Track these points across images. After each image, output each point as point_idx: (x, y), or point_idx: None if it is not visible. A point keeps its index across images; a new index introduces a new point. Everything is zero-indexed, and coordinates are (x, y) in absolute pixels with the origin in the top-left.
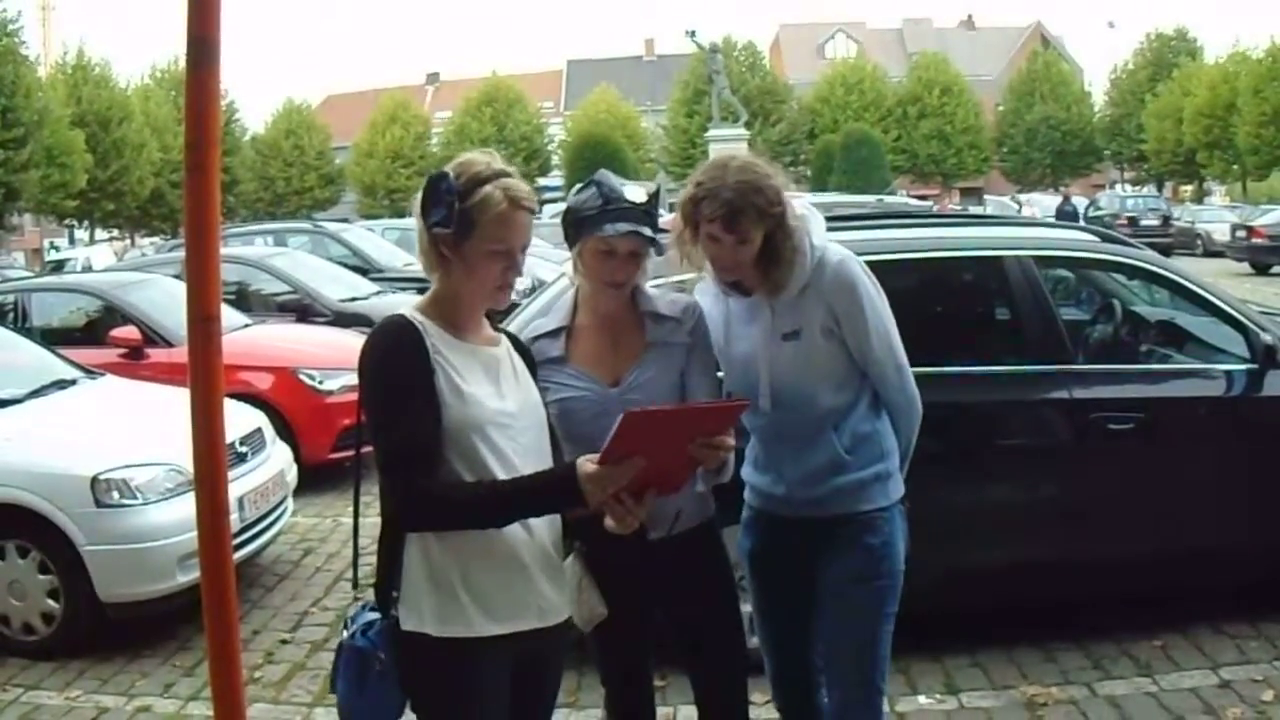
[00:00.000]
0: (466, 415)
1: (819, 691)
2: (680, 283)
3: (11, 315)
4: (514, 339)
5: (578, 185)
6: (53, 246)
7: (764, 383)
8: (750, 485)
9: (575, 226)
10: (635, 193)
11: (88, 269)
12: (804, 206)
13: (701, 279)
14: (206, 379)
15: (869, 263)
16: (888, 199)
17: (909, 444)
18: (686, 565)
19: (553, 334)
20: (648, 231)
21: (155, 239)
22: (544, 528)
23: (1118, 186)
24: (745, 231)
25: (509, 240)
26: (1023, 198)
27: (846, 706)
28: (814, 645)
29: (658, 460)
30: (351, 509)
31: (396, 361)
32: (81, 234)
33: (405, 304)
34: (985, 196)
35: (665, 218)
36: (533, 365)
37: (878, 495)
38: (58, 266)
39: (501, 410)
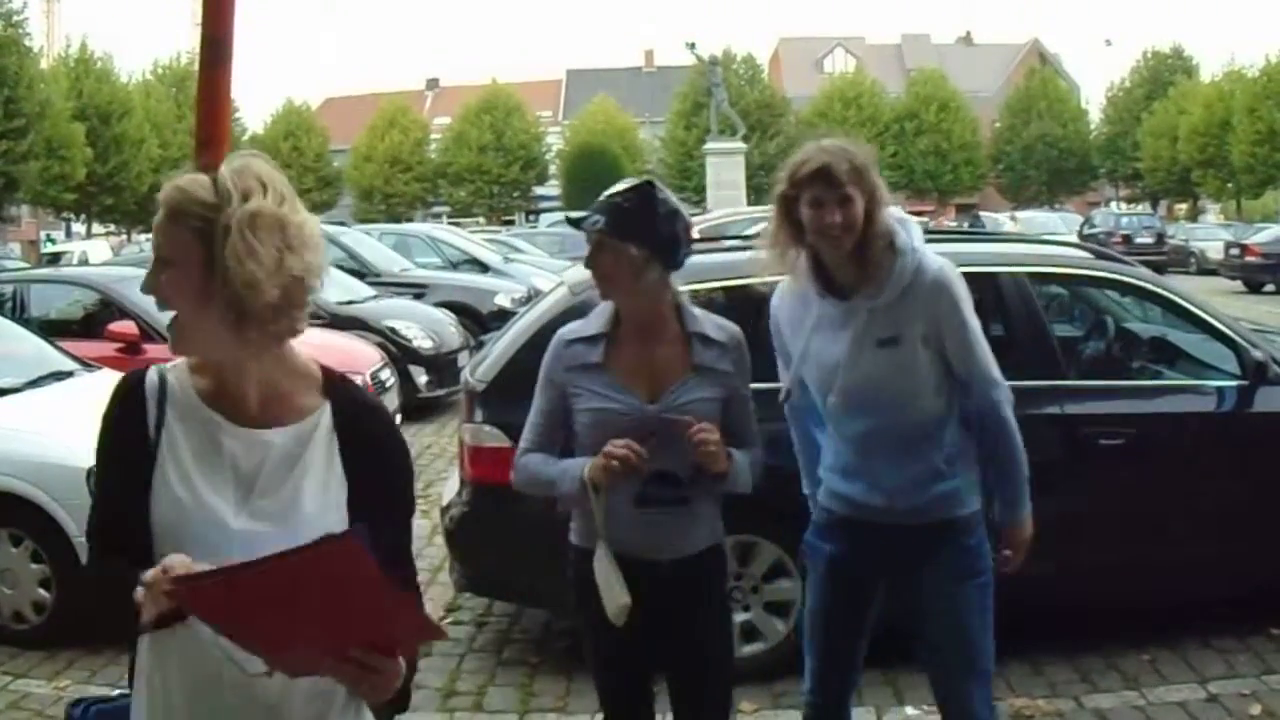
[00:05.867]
0: (176, 521)
1: (852, 694)
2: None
3: (9, 306)
4: (358, 407)
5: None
6: (49, 239)
7: (854, 390)
8: (834, 492)
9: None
10: (619, 186)
11: (84, 263)
12: (899, 213)
13: (782, 281)
14: None
15: None
16: None
17: (1019, 455)
18: (689, 589)
19: (591, 340)
20: (597, 219)
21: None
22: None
23: (1113, 204)
24: (846, 189)
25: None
26: (1020, 215)
27: (965, 693)
28: (861, 649)
29: (302, 627)
30: None
31: (112, 418)
32: (79, 227)
33: (405, 308)
34: (980, 214)
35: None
36: (382, 443)
37: (970, 499)
38: (53, 259)
39: (239, 531)
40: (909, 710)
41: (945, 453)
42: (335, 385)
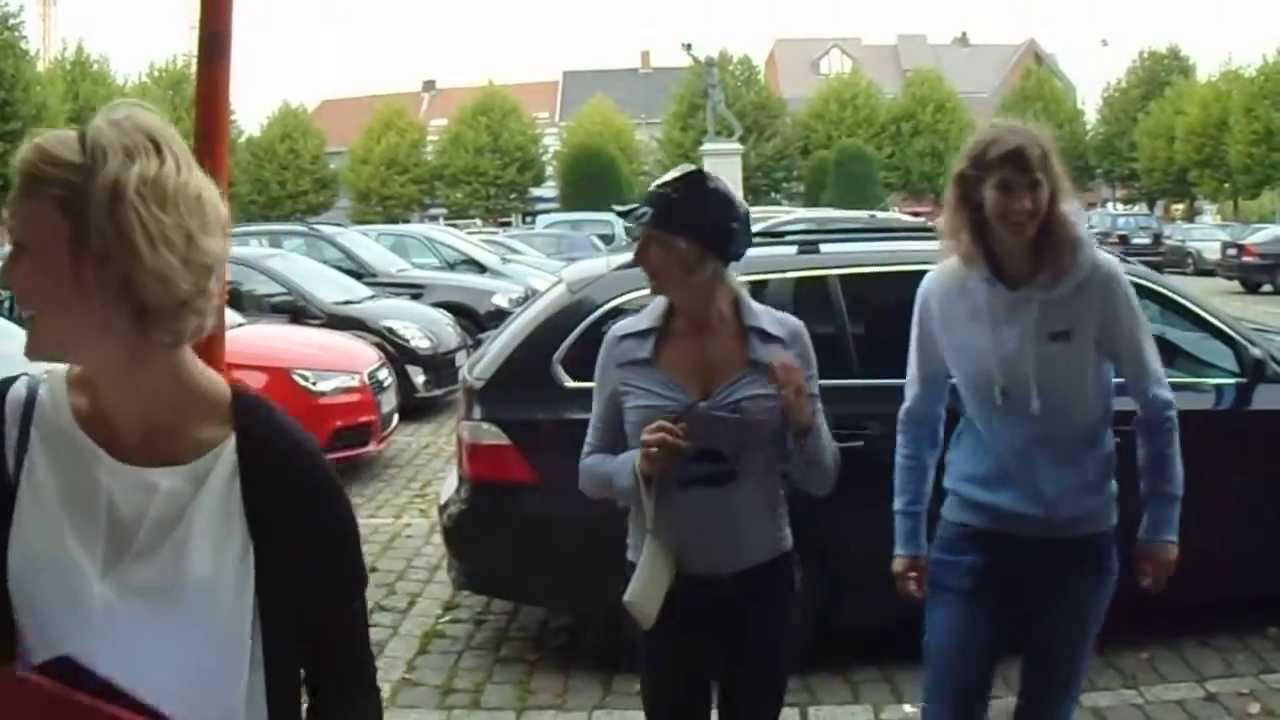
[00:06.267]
0: (30, 581)
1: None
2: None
3: (7, 307)
4: (275, 439)
5: None
6: None
7: (1019, 386)
8: (973, 503)
9: None
10: (668, 176)
11: None
12: (1076, 204)
13: (936, 267)
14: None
15: (863, 274)
16: (880, 215)
17: (1179, 466)
18: (752, 605)
19: (642, 334)
20: (645, 211)
21: None
22: None
23: (1109, 205)
24: (1035, 175)
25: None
26: None
27: (1062, 713)
28: (992, 659)
29: None
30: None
31: None
32: None
33: (402, 308)
34: None
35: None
36: (308, 490)
37: (1112, 515)
38: None
39: (100, 608)
40: (907, 708)
41: (1100, 463)
42: (248, 410)
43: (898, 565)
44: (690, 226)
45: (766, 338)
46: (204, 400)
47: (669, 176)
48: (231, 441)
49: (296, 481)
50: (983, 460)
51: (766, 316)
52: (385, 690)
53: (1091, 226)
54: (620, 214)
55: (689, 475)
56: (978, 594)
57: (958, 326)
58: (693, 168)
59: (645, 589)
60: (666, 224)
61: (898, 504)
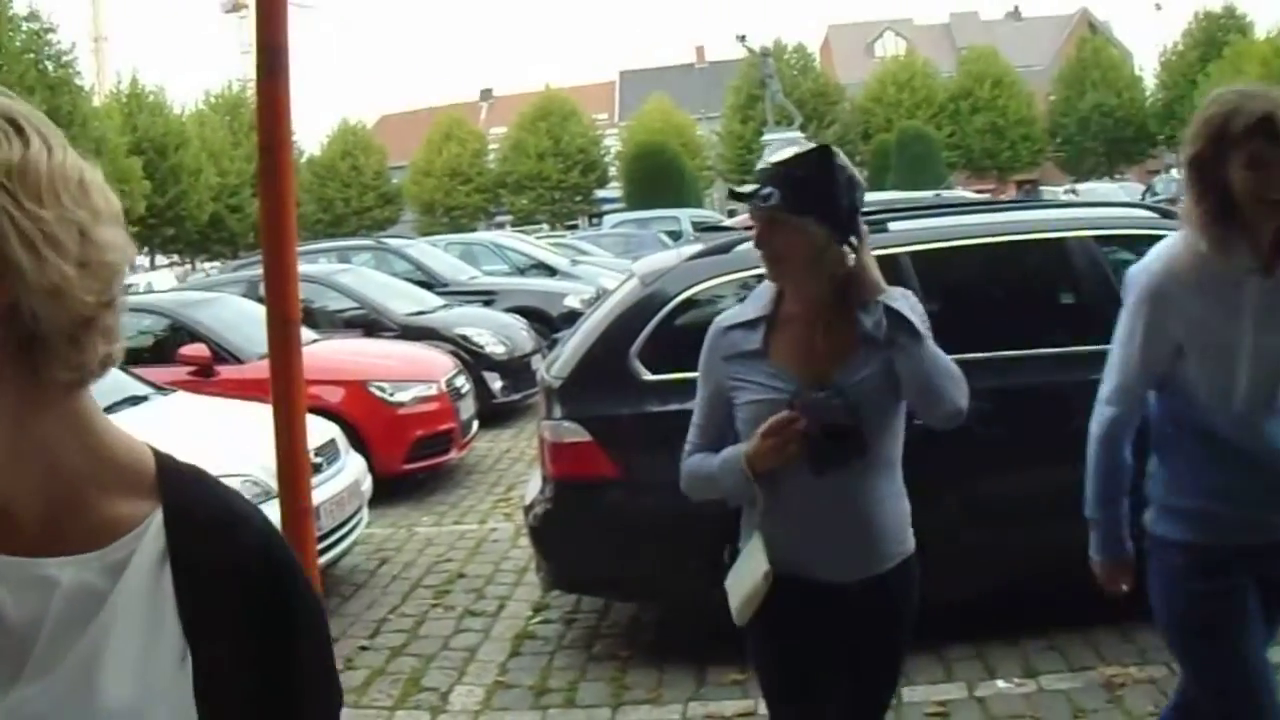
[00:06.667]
0: None
1: None
2: None
3: None
4: (215, 515)
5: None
6: None
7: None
8: (1217, 517)
9: None
10: (790, 152)
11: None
12: None
13: (1167, 259)
14: (287, 382)
15: (933, 250)
16: (946, 194)
17: None
18: (880, 616)
19: (750, 324)
20: (770, 191)
21: (216, 263)
22: None
23: (1173, 171)
24: None
25: None
26: (1080, 187)
27: None
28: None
29: None
30: (424, 519)
31: None
32: (142, 260)
33: (475, 315)
34: (1041, 188)
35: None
36: (265, 581)
37: None
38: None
39: None
40: (1000, 684)
41: None
42: (177, 479)
43: (1104, 568)
44: (821, 207)
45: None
46: (119, 466)
47: (791, 153)
48: (158, 518)
49: (246, 564)
50: (1227, 471)
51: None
52: (479, 694)
53: (1156, 194)
54: (739, 196)
55: (818, 456)
56: (1252, 612)
57: (1232, 326)
58: (816, 144)
59: (738, 583)
60: (796, 205)
61: (1099, 510)
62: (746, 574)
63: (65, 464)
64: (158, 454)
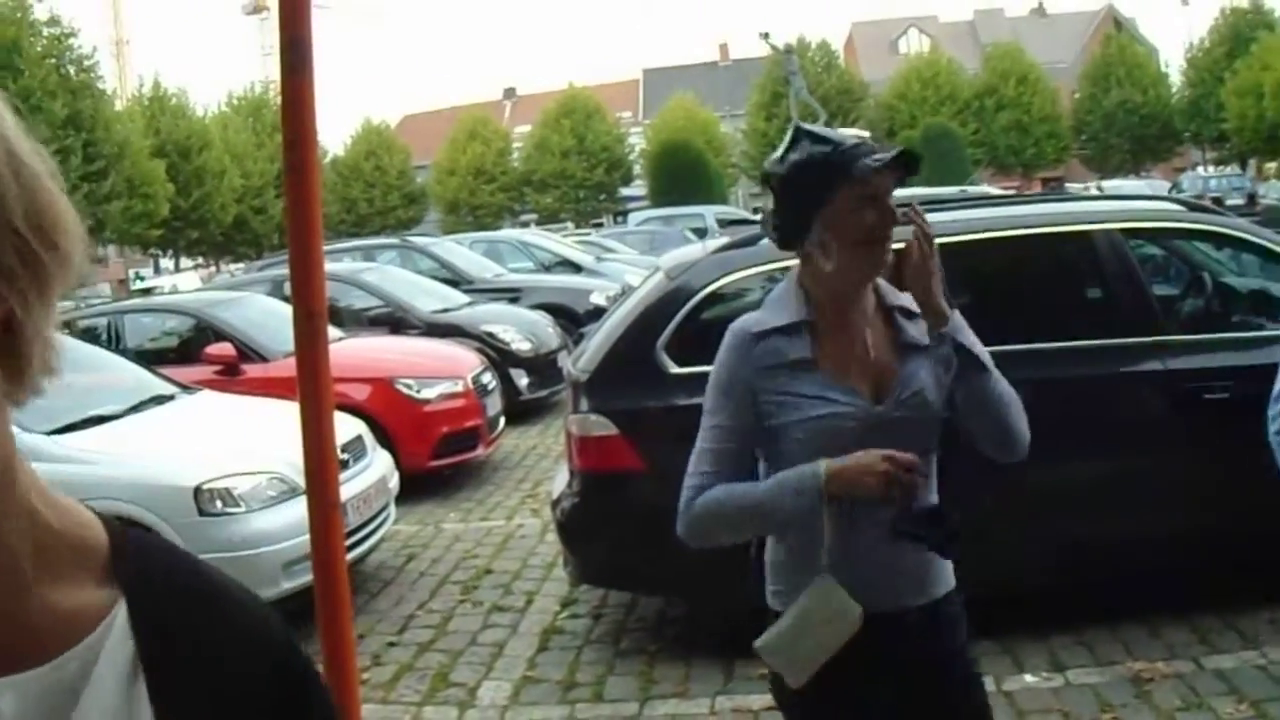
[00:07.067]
0: None
1: None
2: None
3: (105, 336)
4: (193, 605)
5: (781, 154)
6: (138, 276)
7: None
8: None
9: (813, 187)
10: (853, 132)
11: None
12: None
13: None
14: (314, 375)
15: (960, 243)
16: (971, 190)
17: None
18: (940, 643)
19: (787, 330)
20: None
21: (240, 264)
22: None
23: (1199, 168)
24: None
25: None
26: (1106, 185)
27: None
28: None
29: None
30: (452, 515)
31: None
32: (166, 263)
33: (500, 312)
34: (1066, 185)
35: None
36: (263, 681)
37: None
38: (145, 294)
39: None
40: (1029, 678)
41: None
42: (140, 554)
43: None
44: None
45: (910, 315)
46: (63, 542)
47: (856, 133)
48: (121, 613)
49: (252, 671)
50: None
51: (899, 293)
52: (507, 689)
53: (1182, 190)
54: (909, 160)
55: (904, 526)
56: None
57: None
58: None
59: (801, 640)
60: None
61: None
62: (817, 625)
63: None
64: (108, 523)
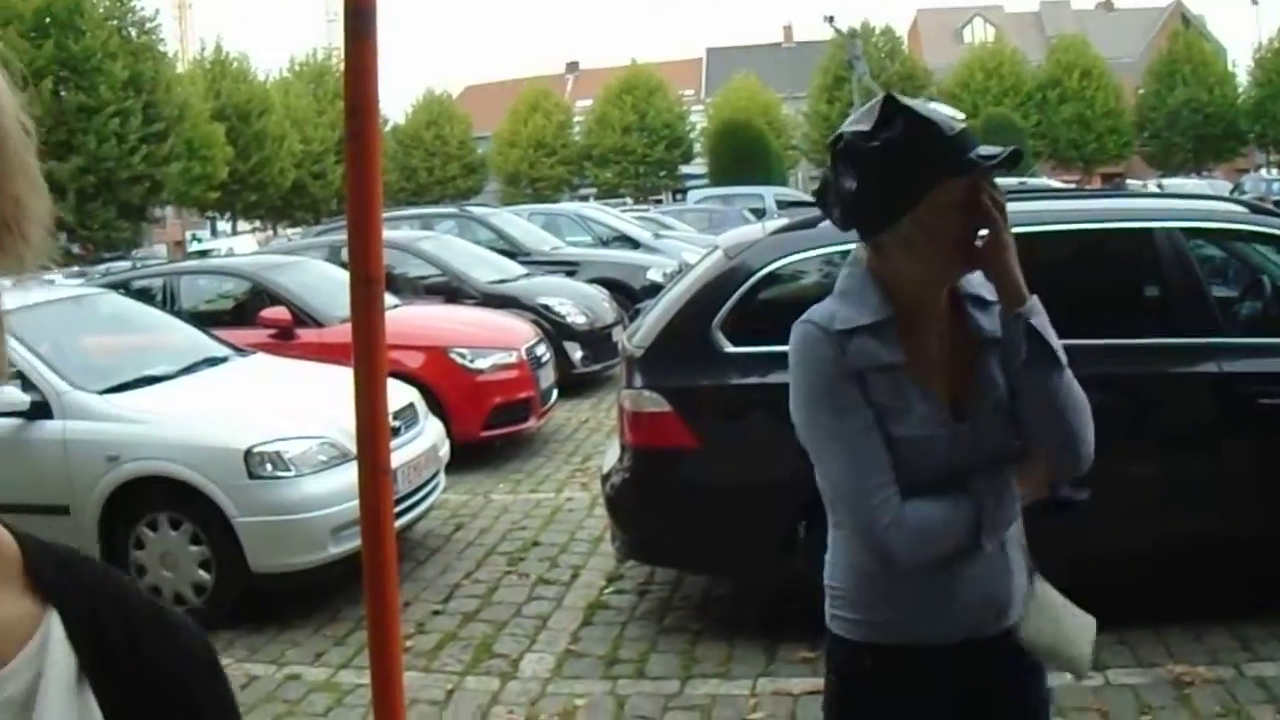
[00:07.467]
0: None
1: None
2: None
3: (160, 298)
4: (129, 615)
5: (871, 127)
6: (195, 238)
7: None
8: None
9: (912, 176)
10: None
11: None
12: None
13: None
14: (369, 342)
15: (1019, 235)
16: (1030, 182)
17: None
18: (1019, 661)
19: (876, 330)
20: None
21: (297, 229)
22: None
23: (1262, 170)
24: None
25: None
26: (1166, 183)
27: None
28: None
29: None
30: (501, 486)
31: None
32: (223, 226)
33: (557, 285)
34: (1127, 182)
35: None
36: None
37: None
38: (201, 256)
39: None
40: (1068, 676)
41: None
42: (60, 566)
43: None
44: None
45: (983, 305)
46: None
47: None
48: (55, 624)
49: (181, 665)
50: None
51: (974, 278)
52: (549, 661)
53: (1244, 191)
54: (1012, 161)
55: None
56: None
57: None
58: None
59: (1064, 629)
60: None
61: None
62: (1064, 619)
63: None
64: (13, 531)
